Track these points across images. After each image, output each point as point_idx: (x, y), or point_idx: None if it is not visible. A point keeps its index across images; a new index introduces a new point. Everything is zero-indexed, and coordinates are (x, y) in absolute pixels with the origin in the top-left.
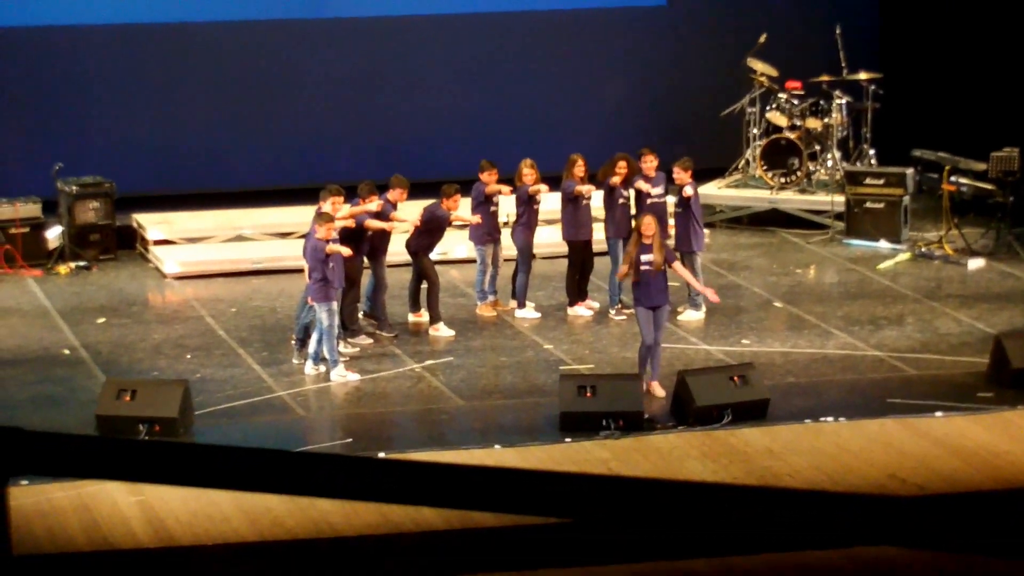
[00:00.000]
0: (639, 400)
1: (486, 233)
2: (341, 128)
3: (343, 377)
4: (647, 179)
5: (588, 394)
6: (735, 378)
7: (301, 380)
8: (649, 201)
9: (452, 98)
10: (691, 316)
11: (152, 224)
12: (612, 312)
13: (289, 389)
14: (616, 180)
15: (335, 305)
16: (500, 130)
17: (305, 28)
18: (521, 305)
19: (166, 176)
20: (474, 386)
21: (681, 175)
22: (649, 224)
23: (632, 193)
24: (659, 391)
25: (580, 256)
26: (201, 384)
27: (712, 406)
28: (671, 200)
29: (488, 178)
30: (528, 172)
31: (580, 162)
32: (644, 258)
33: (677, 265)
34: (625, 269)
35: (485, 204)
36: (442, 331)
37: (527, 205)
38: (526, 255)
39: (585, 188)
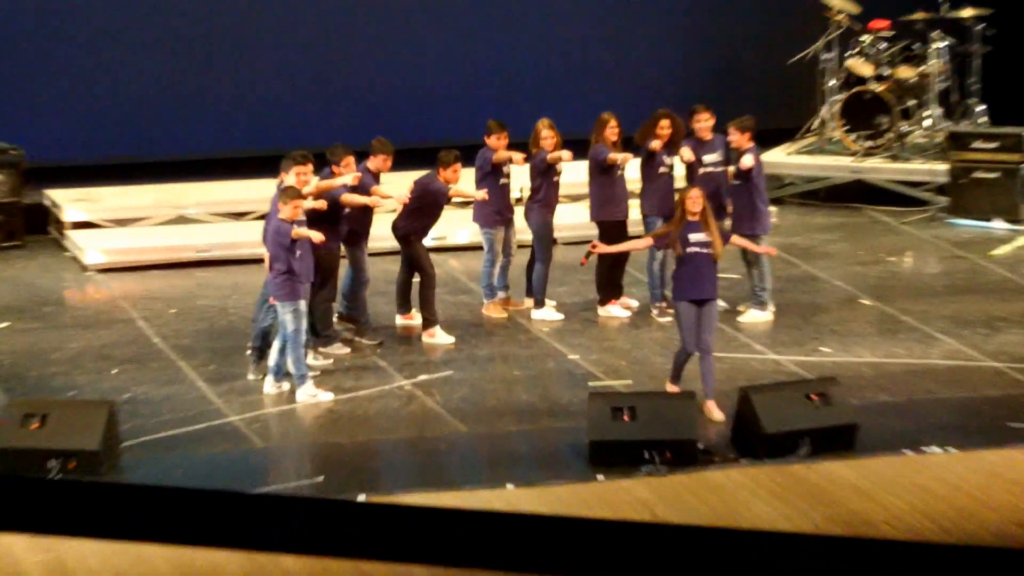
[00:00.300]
0: (691, 424)
1: (495, 212)
2: (309, 81)
3: (313, 397)
4: (700, 143)
5: (625, 417)
6: (813, 396)
7: (259, 401)
8: (702, 171)
9: (449, 42)
10: (755, 317)
11: (70, 202)
12: (654, 311)
13: (244, 413)
14: (657, 144)
15: (303, 305)
16: (511, 83)
17: None
18: (539, 304)
19: (88, 142)
20: (480, 407)
21: (738, 138)
22: (696, 198)
23: (676, 160)
24: (715, 413)
25: (613, 241)
26: (131, 406)
27: (784, 433)
28: (730, 170)
29: (497, 143)
30: (547, 135)
31: (612, 122)
32: (694, 237)
33: (736, 239)
34: (649, 240)
35: (493, 176)
36: (439, 337)
37: (545, 177)
38: (545, 240)
39: (620, 156)
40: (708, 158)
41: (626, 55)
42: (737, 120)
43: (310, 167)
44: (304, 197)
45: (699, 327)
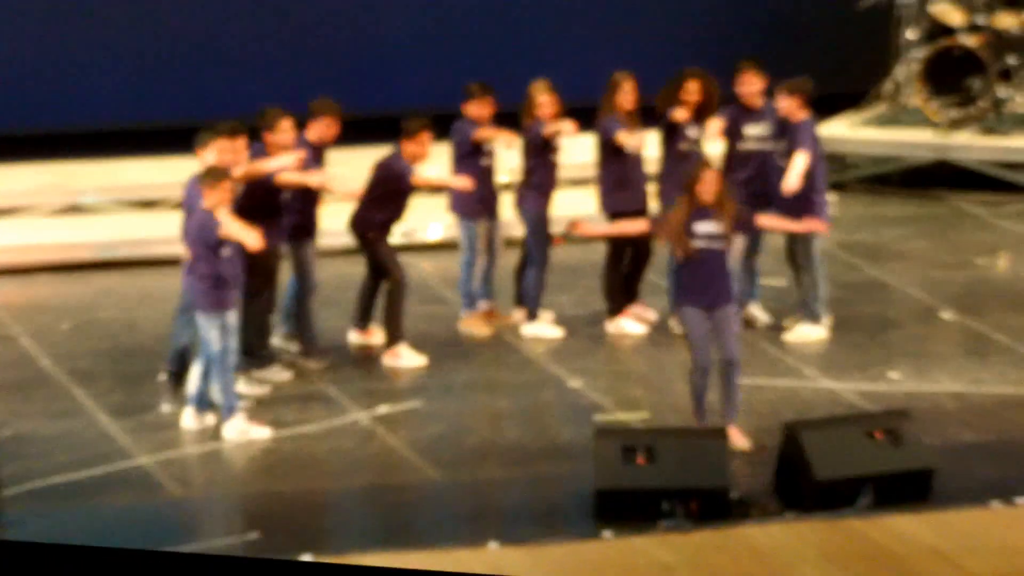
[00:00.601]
0: (723, 469)
1: (476, 201)
2: (239, 33)
3: (244, 433)
4: (743, 112)
5: (640, 460)
6: (878, 434)
7: (177, 438)
8: (744, 147)
9: None
10: (806, 334)
11: None
12: (676, 325)
13: (158, 453)
14: (682, 113)
15: (232, 317)
16: (497, 35)
17: None
18: (532, 316)
19: None
20: (457, 448)
21: (788, 104)
22: (710, 182)
23: (706, 133)
24: (740, 440)
25: (627, 238)
26: (14, 446)
27: (840, 479)
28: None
29: (479, 111)
30: (543, 102)
31: (628, 85)
32: (701, 228)
33: (765, 219)
34: (644, 225)
35: (474, 155)
36: (405, 359)
37: (541, 155)
38: (540, 236)
39: (632, 139)
40: (752, 131)
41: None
42: (789, 82)
43: (241, 142)
44: (234, 179)
45: (716, 335)
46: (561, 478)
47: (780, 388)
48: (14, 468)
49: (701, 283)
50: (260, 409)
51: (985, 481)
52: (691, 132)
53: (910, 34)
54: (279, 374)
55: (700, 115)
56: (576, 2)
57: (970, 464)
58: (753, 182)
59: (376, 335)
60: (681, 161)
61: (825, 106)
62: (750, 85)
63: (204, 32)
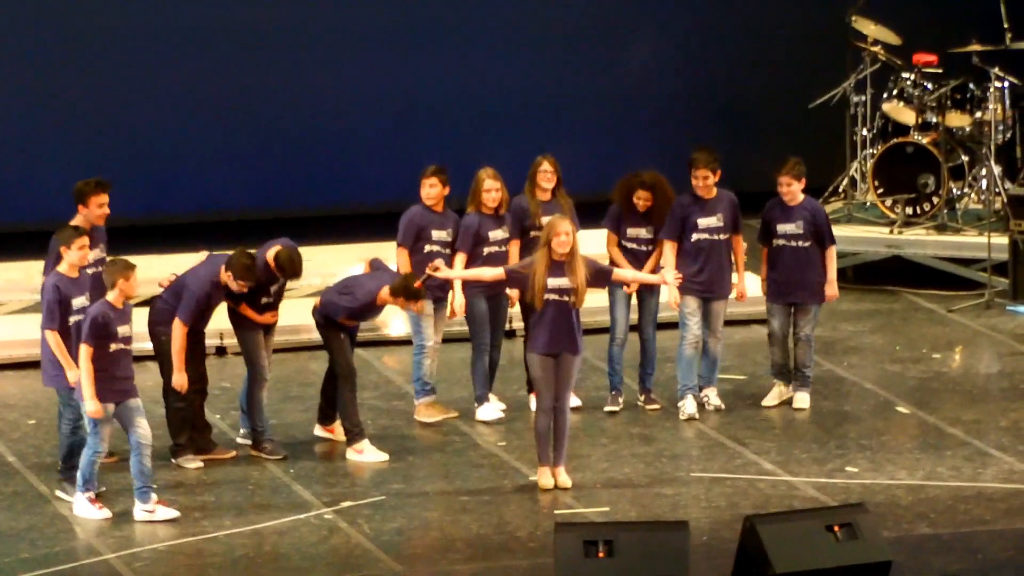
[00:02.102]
0: (684, 561)
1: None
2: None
3: (150, 513)
4: (695, 202)
5: (601, 554)
6: (836, 528)
7: (144, 534)
8: (697, 237)
9: (369, 61)
10: (805, 401)
11: None
12: (640, 399)
13: (123, 549)
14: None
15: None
16: (451, 118)
17: None
18: (480, 400)
19: None
20: (418, 542)
21: (794, 188)
22: (565, 237)
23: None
24: (565, 478)
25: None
26: None
27: (800, 573)
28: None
29: (430, 192)
30: (490, 187)
31: (546, 166)
32: (553, 282)
33: (620, 272)
34: (500, 272)
35: (419, 242)
36: (367, 454)
37: (475, 249)
38: (476, 322)
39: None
40: (704, 222)
41: (603, 87)
42: (788, 165)
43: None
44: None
45: (555, 381)
46: (522, 573)
47: (739, 481)
48: None
49: (546, 329)
50: (222, 505)
51: (942, 573)
52: (632, 231)
53: (864, 132)
54: (189, 463)
55: (649, 216)
56: (528, 93)
57: (927, 557)
58: (703, 272)
59: (338, 431)
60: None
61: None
62: (703, 180)
63: (167, 131)
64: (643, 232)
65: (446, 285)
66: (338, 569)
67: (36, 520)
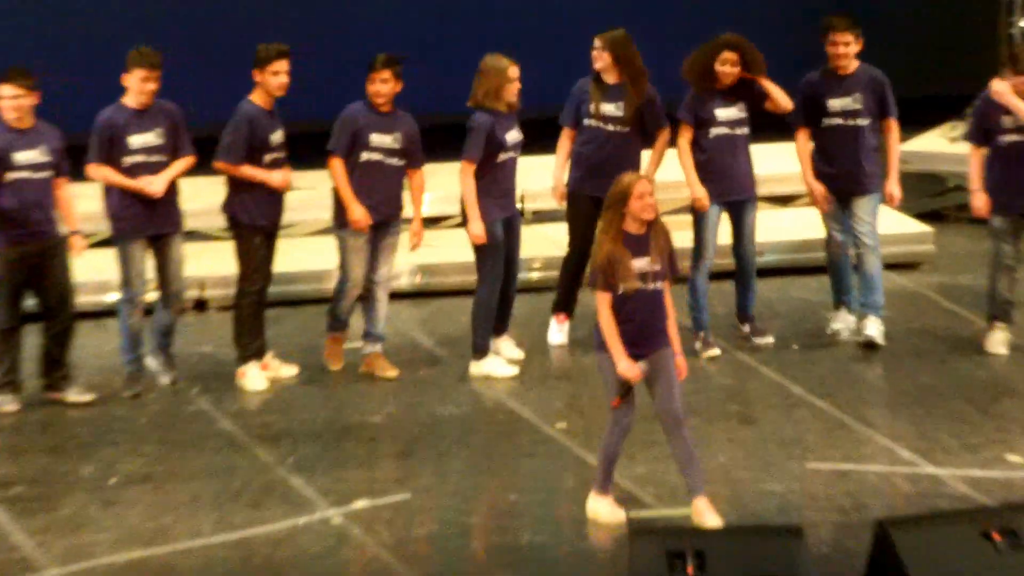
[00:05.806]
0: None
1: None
2: None
3: None
4: (827, 81)
5: (689, 568)
6: (995, 536)
7: (93, 545)
8: (828, 122)
9: None
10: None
11: None
12: (698, 345)
13: (68, 564)
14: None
15: None
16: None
17: None
18: (477, 350)
19: None
20: (454, 553)
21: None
22: (645, 197)
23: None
24: (709, 516)
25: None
26: None
27: None
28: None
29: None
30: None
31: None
32: (638, 265)
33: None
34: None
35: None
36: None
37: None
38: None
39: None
40: (836, 103)
41: None
42: (847, 20)
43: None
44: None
45: (654, 389)
46: None
47: (867, 474)
48: None
49: (633, 326)
50: (204, 505)
51: None
52: (719, 112)
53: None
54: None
55: (737, 91)
56: None
57: None
58: (835, 163)
59: (277, 366)
60: (710, 148)
61: (916, 112)
62: (843, 46)
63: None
64: (734, 112)
65: (398, 202)
66: None
67: None
